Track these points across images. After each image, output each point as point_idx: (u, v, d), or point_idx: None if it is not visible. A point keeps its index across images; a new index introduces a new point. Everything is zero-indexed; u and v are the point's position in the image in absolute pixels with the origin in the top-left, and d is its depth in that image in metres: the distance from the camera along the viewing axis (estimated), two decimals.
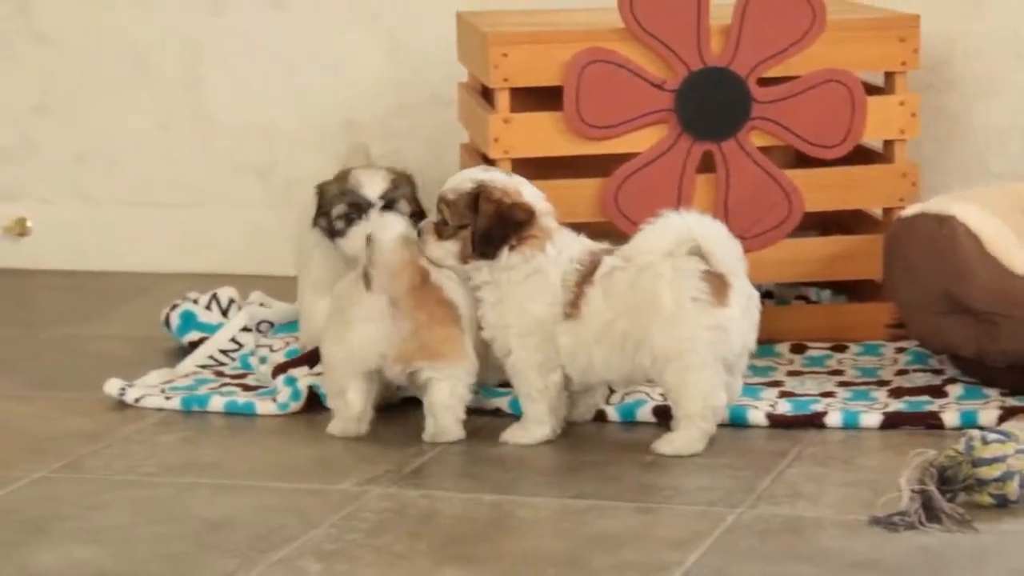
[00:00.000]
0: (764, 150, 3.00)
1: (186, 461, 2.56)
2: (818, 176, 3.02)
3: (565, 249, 2.58)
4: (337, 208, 2.82)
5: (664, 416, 2.64)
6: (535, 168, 3.00)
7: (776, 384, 2.82)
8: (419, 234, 2.61)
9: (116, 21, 3.66)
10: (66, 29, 3.68)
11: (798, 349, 2.98)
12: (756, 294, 2.57)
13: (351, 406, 2.61)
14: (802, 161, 3.08)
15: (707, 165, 2.99)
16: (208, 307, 3.16)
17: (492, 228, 2.56)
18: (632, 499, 2.37)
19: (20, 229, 3.74)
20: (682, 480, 2.44)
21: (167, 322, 3.16)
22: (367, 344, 2.57)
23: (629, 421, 2.69)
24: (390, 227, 2.59)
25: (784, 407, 2.69)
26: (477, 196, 2.56)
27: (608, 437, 2.63)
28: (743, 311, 2.53)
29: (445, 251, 2.59)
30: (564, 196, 2.88)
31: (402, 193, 2.86)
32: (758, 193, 2.98)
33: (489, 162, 3.04)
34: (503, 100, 2.96)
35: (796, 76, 2.97)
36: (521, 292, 2.57)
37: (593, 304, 2.54)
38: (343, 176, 2.87)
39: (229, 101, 3.66)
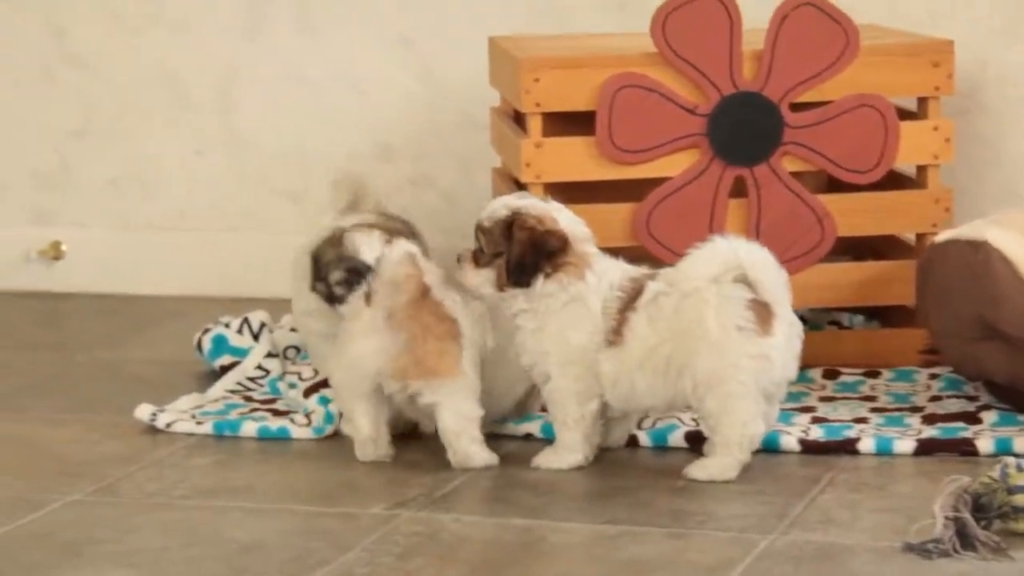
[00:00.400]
0: (796, 175, 3.00)
1: (219, 485, 2.56)
2: (851, 201, 3.01)
3: (605, 276, 2.58)
4: (335, 275, 2.76)
5: (696, 441, 2.64)
6: (567, 193, 3.00)
7: (808, 410, 2.81)
8: (458, 261, 2.62)
9: (152, 46, 3.69)
10: (102, 54, 3.71)
11: (831, 375, 2.98)
12: (799, 324, 2.56)
13: (360, 430, 2.63)
14: (835, 186, 3.07)
15: (739, 190, 2.99)
16: (240, 331, 3.17)
17: (525, 256, 2.55)
18: (664, 525, 2.37)
19: (55, 252, 3.76)
20: (714, 506, 2.43)
21: (199, 346, 3.17)
22: (364, 359, 2.58)
23: (661, 446, 2.68)
24: (399, 244, 2.61)
25: (817, 433, 2.68)
26: (511, 224, 2.56)
27: (640, 462, 2.63)
28: (787, 340, 2.52)
29: (482, 279, 2.59)
30: (596, 221, 2.87)
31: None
32: (790, 218, 2.98)
33: (521, 186, 3.05)
34: (535, 125, 2.96)
35: (829, 101, 2.97)
36: (561, 320, 2.57)
37: (637, 330, 2.54)
38: (337, 239, 2.80)
39: (263, 126, 3.68)
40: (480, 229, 2.59)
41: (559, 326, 2.56)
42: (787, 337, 2.52)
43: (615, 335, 2.54)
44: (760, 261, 2.52)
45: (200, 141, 3.70)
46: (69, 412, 2.93)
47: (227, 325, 3.19)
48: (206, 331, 3.19)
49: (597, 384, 2.56)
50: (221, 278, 3.68)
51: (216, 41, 3.66)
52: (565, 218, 2.60)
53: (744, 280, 2.51)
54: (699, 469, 2.53)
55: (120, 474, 2.61)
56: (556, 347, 2.57)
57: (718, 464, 2.52)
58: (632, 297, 2.55)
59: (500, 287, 2.58)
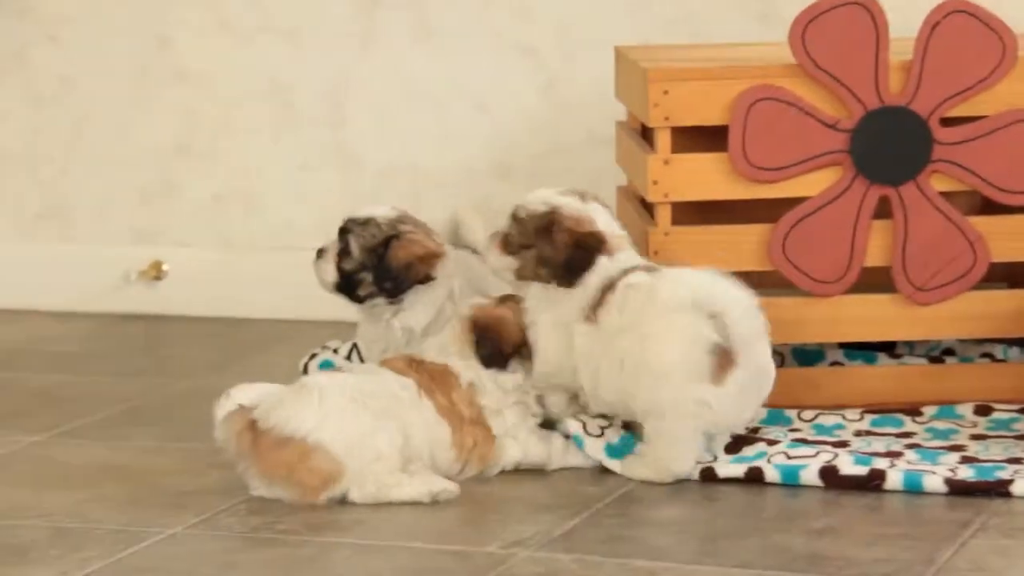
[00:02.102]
0: (947, 195, 2.98)
1: (327, 519, 2.60)
2: (1006, 224, 2.99)
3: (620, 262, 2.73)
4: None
5: (830, 477, 2.63)
6: (696, 212, 3.01)
7: (958, 448, 2.79)
8: (489, 239, 2.82)
9: (259, 58, 3.76)
10: (207, 66, 3.79)
11: (982, 411, 2.95)
12: (769, 370, 2.66)
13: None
14: (988, 207, 3.05)
15: (884, 211, 2.98)
16: (348, 357, 3.21)
17: (574, 259, 2.74)
18: (800, 570, 2.36)
19: (156, 272, 3.83)
20: (855, 550, 2.43)
21: (305, 372, 3.22)
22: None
23: (792, 484, 2.68)
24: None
25: (966, 473, 2.66)
26: (550, 224, 2.74)
27: (770, 501, 2.63)
28: (740, 390, 2.62)
29: (505, 264, 2.80)
30: (727, 243, 2.89)
31: (341, 244, 3.02)
32: (939, 242, 2.97)
33: (647, 206, 3.07)
34: (663, 140, 2.98)
35: (983, 116, 2.95)
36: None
37: (610, 312, 2.68)
38: None
39: (374, 140, 3.73)
40: (514, 218, 2.78)
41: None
42: (741, 387, 2.61)
43: (592, 312, 2.70)
44: (735, 304, 2.61)
45: (307, 156, 3.76)
46: (170, 441, 2.98)
47: (335, 351, 3.24)
48: (313, 356, 3.23)
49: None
50: (328, 300, 3.73)
51: (326, 51, 3.72)
52: (604, 219, 2.75)
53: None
54: (628, 466, 2.70)
55: (223, 506, 2.65)
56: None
57: (646, 472, 2.69)
58: (613, 282, 2.70)
59: (521, 276, 2.77)
